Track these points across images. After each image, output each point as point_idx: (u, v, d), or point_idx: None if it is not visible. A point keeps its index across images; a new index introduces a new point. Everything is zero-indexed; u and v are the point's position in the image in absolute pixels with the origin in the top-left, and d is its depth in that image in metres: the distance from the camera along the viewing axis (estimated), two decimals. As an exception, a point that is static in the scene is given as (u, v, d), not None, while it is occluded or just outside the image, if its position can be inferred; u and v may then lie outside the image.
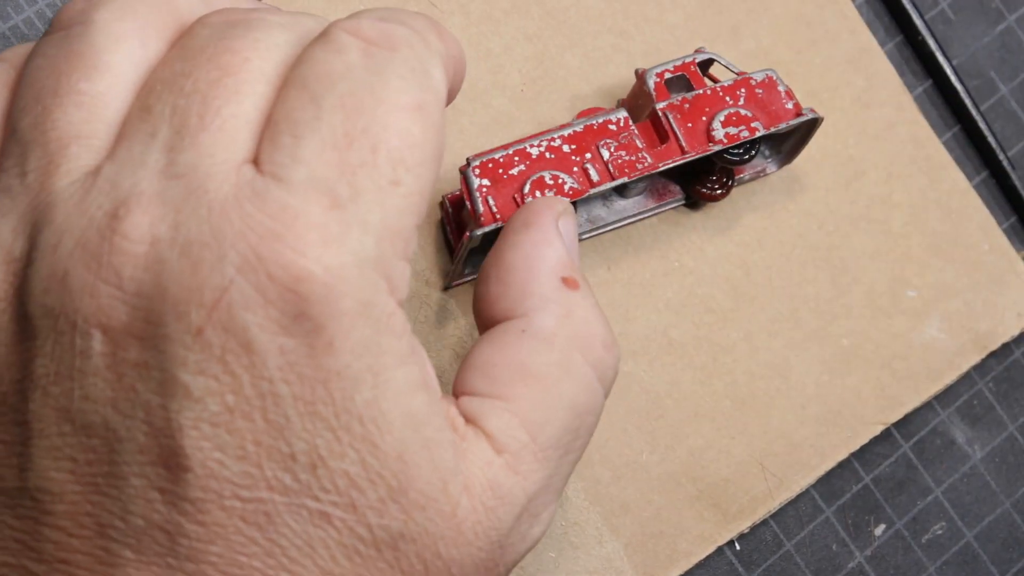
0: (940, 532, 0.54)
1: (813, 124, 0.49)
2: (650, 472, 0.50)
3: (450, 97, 0.40)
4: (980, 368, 0.55)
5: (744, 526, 0.51)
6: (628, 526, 0.50)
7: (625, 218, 0.51)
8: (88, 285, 0.34)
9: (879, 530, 0.53)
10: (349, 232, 0.34)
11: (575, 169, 0.46)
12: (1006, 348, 0.55)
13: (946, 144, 0.55)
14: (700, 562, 0.51)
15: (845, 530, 0.53)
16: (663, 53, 0.52)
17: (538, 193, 0.46)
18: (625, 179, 0.47)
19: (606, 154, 0.47)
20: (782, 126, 0.48)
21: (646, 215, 0.51)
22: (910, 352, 0.53)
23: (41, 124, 0.36)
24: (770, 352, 0.52)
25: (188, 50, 0.37)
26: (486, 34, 0.51)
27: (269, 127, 0.35)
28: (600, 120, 0.47)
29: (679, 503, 0.51)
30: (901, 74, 0.55)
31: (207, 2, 0.40)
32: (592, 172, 0.46)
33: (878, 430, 0.53)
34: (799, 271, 0.53)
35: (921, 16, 0.55)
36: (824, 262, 0.53)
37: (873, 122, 0.54)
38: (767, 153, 0.52)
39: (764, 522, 0.52)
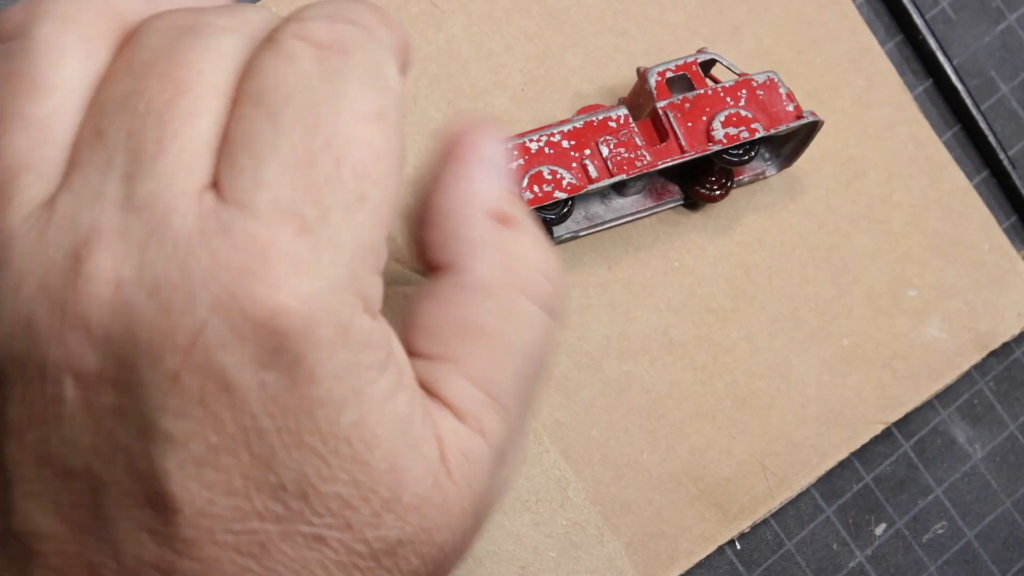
0: (941, 531, 0.54)
1: (813, 127, 0.49)
2: (651, 472, 0.50)
3: (405, 68, 0.39)
4: (981, 367, 0.55)
5: (745, 525, 0.51)
6: (629, 525, 0.50)
7: (623, 216, 0.51)
8: (54, 332, 0.33)
9: (880, 529, 0.53)
10: (321, 257, 0.33)
11: (574, 165, 0.46)
12: (1006, 347, 0.55)
13: (947, 143, 0.55)
14: (701, 561, 0.51)
15: (846, 529, 0.53)
16: (664, 53, 0.52)
17: (536, 188, 0.46)
18: (624, 176, 0.47)
19: (605, 151, 0.47)
20: (782, 128, 0.48)
21: (644, 214, 0.51)
22: (911, 352, 0.53)
23: None
24: (771, 352, 0.52)
25: (138, 63, 0.35)
26: (488, 33, 0.51)
27: (227, 147, 0.34)
28: (600, 117, 0.47)
29: (680, 502, 0.50)
30: (902, 74, 0.55)
31: (151, 3, 0.38)
32: (591, 168, 0.46)
33: (879, 429, 0.53)
34: (799, 271, 0.53)
35: (921, 15, 0.55)
36: (824, 262, 0.53)
37: (874, 122, 0.54)
38: (767, 156, 0.52)
39: (765, 521, 0.52)
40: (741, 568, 0.52)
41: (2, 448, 0.34)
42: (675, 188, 0.52)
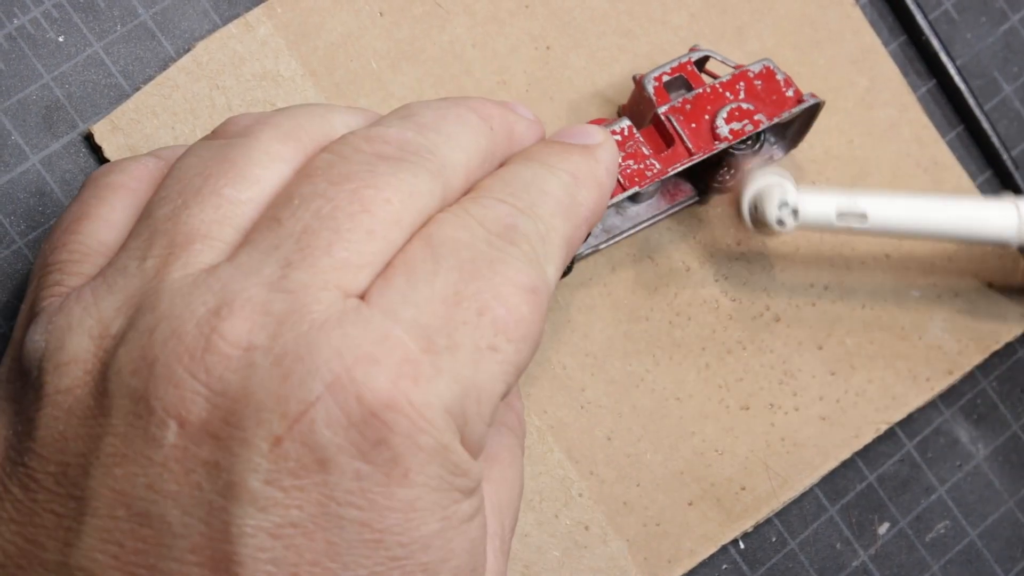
0: (944, 531, 0.54)
1: (815, 109, 0.49)
2: (654, 471, 0.50)
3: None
4: (984, 367, 0.55)
5: (748, 525, 0.51)
6: (632, 525, 0.50)
7: (640, 223, 0.51)
8: (176, 376, 0.34)
9: (883, 529, 0.53)
10: (440, 377, 0.35)
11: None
12: (1009, 347, 0.55)
13: (949, 144, 0.55)
14: (704, 561, 0.51)
15: (849, 529, 0.53)
16: (668, 53, 0.52)
17: None
18: (636, 189, 0.46)
19: None
20: (784, 115, 0.48)
21: (660, 218, 0.51)
22: (914, 352, 0.53)
23: (175, 216, 0.37)
24: (774, 353, 0.52)
25: (335, 172, 0.37)
26: (492, 35, 0.50)
27: (388, 269, 0.36)
28: None
29: (683, 502, 0.50)
30: (905, 74, 0.55)
31: (364, 121, 0.40)
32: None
33: (882, 429, 0.53)
34: (803, 271, 0.53)
35: (925, 16, 0.55)
36: (827, 261, 0.53)
37: (877, 122, 0.54)
38: (772, 140, 0.52)
39: (768, 521, 0.52)
40: (745, 567, 0.52)
41: (87, 479, 0.35)
42: (688, 186, 0.51)
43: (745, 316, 0.52)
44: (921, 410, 0.54)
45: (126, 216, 0.39)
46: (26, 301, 0.40)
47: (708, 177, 0.51)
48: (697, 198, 0.51)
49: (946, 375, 0.54)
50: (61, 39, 0.47)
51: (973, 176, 0.55)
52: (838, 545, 0.53)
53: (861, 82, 0.54)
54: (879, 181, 0.54)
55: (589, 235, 0.48)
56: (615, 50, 0.52)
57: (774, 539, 0.52)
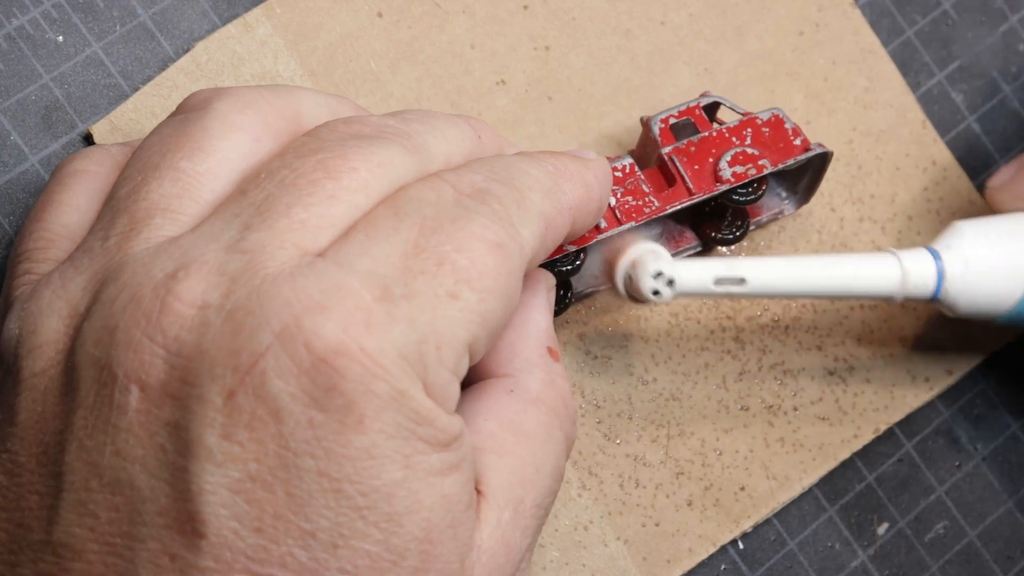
0: (943, 531, 0.54)
1: (824, 159, 0.49)
2: (653, 472, 0.50)
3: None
4: (983, 367, 0.55)
5: (747, 526, 0.51)
6: (631, 525, 0.50)
7: None
8: (133, 340, 0.34)
9: (882, 529, 0.53)
10: (394, 324, 0.34)
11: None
12: (1008, 348, 0.55)
13: (949, 144, 0.55)
14: (704, 561, 0.51)
15: (848, 529, 0.53)
16: (667, 54, 0.52)
17: None
18: (632, 224, 0.46)
19: (613, 201, 0.46)
20: (790, 162, 0.48)
21: None
22: (913, 352, 0.53)
23: (135, 194, 0.37)
24: (772, 352, 0.52)
25: (304, 148, 0.37)
26: (491, 35, 0.50)
27: (348, 229, 0.36)
28: None
29: (682, 502, 0.50)
30: (904, 75, 0.55)
31: (333, 111, 0.40)
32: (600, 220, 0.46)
33: (881, 429, 0.53)
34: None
35: (924, 16, 0.55)
36: (827, 262, 0.53)
37: (876, 123, 0.54)
38: (783, 194, 0.51)
39: (767, 521, 0.52)
40: (744, 567, 0.52)
41: (63, 454, 0.35)
42: (691, 235, 0.51)
43: (744, 316, 0.52)
44: (920, 410, 0.54)
45: (88, 199, 0.39)
46: (2, 294, 0.40)
47: (710, 227, 0.50)
48: (700, 247, 0.51)
49: (945, 375, 0.54)
50: (60, 39, 0.47)
51: (973, 176, 0.55)
52: (837, 545, 0.53)
53: (860, 82, 0.54)
54: (878, 181, 0.53)
55: (587, 274, 0.48)
56: (614, 50, 0.51)
57: (773, 539, 0.52)
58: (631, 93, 0.51)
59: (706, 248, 0.51)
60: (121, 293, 0.35)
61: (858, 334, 0.53)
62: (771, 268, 0.45)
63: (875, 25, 0.55)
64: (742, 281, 0.44)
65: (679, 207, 0.47)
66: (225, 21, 0.48)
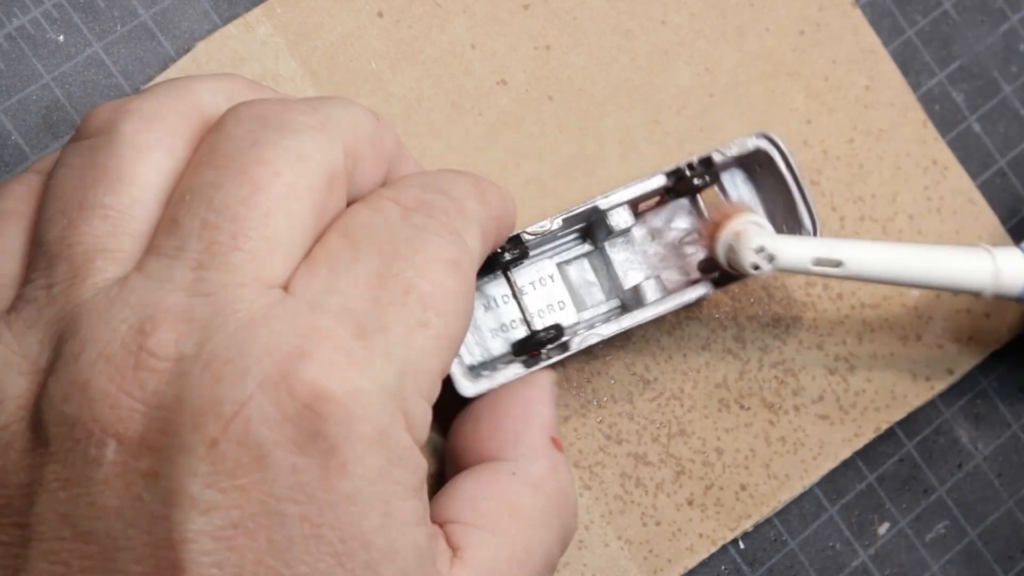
0: (944, 531, 0.54)
1: (779, 151, 0.49)
2: (654, 471, 0.50)
3: (498, 243, 0.42)
4: (983, 367, 0.55)
5: (748, 525, 0.51)
6: (632, 525, 0.50)
7: (646, 317, 0.48)
8: (109, 396, 0.34)
9: (883, 529, 0.53)
10: (373, 360, 0.34)
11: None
12: (1009, 347, 0.55)
13: (950, 144, 0.55)
14: (704, 560, 0.51)
15: (849, 529, 0.53)
16: (668, 54, 0.52)
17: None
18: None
19: None
20: (733, 143, 0.49)
21: (670, 309, 0.48)
22: (914, 351, 0.53)
23: (67, 238, 0.36)
24: (773, 351, 0.51)
25: (218, 156, 0.36)
26: (491, 34, 0.50)
27: (307, 261, 0.36)
28: None
29: (683, 501, 0.50)
30: (905, 74, 0.54)
31: (229, 96, 0.39)
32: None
33: (882, 428, 0.53)
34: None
35: (925, 16, 0.55)
36: (828, 261, 0.53)
37: (876, 122, 0.53)
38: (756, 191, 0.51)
39: (768, 520, 0.52)
40: (744, 567, 0.52)
41: (31, 506, 0.34)
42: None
43: (744, 315, 0.52)
44: (921, 410, 0.54)
45: (22, 242, 0.38)
46: None
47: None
48: (710, 289, 0.48)
49: (946, 375, 0.53)
50: (61, 39, 0.47)
51: (973, 176, 0.55)
52: (838, 545, 0.53)
53: (861, 81, 0.54)
54: (879, 180, 0.53)
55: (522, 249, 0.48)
56: (615, 50, 0.51)
57: (774, 539, 0.52)
58: (632, 93, 0.51)
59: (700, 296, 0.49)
60: (85, 349, 0.34)
61: (859, 333, 0.53)
62: (869, 252, 0.46)
63: (876, 25, 0.54)
64: (840, 263, 0.45)
65: (646, 193, 0.47)
66: (226, 21, 0.48)
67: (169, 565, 0.33)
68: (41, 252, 0.36)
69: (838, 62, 0.54)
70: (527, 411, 0.44)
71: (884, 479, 0.53)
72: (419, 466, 0.36)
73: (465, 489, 0.42)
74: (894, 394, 0.53)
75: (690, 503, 0.50)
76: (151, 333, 0.34)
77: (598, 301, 0.49)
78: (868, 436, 0.52)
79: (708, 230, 0.46)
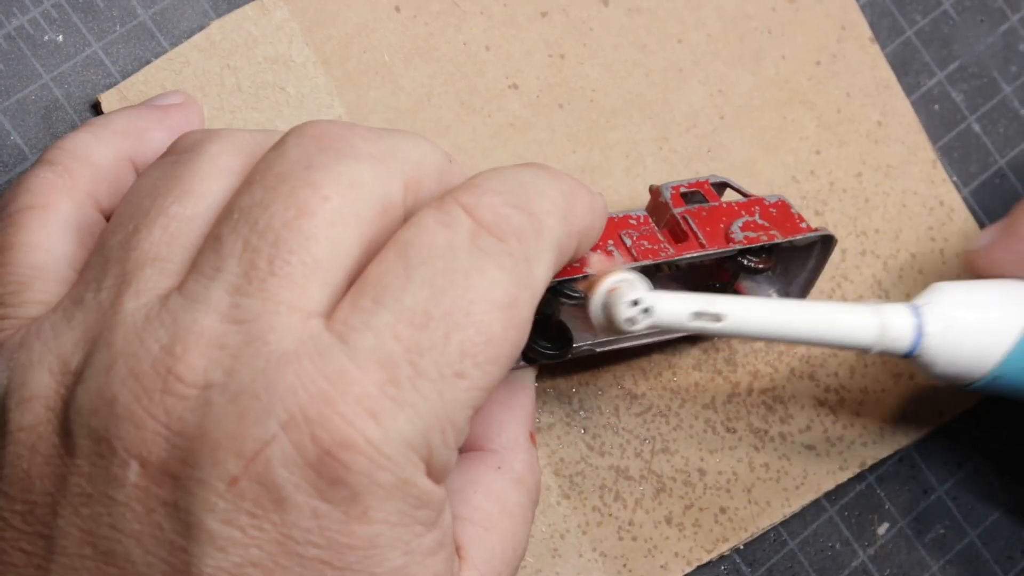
0: (943, 531, 0.54)
1: (829, 244, 0.48)
2: (635, 485, 0.50)
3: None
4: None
5: (724, 548, 0.51)
6: (608, 537, 0.50)
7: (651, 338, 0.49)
8: (135, 416, 0.34)
9: (882, 529, 0.53)
10: (400, 413, 0.34)
11: (599, 251, 0.45)
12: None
13: (949, 144, 0.55)
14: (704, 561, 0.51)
15: (849, 529, 0.53)
16: (683, 72, 0.52)
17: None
18: (650, 261, 0.45)
19: (628, 241, 0.45)
20: (799, 237, 0.47)
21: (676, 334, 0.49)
22: (906, 390, 0.53)
23: (126, 243, 0.36)
24: (763, 377, 0.51)
25: (271, 175, 0.36)
26: (508, 38, 0.50)
27: (356, 284, 0.35)
28: (620, 215, 0.45)
29: (661, 519, 0.50)
30: (904, 74, 0.54)
31: None
32: (616, 254, 0.45)
33: (867, 464, 0.52)
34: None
35: (924, 16, 0.55)
36: (824, 291, 0.53)
37: (886, 158, 0.53)
38: (773, 294, 0.50)
39: (768, 520, 0.52)
40: (744, 567, 0.52)
41: (55, 518, 0.35)
42: None
43: (738, 340, 0.51)
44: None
45: (49, 236, 0.38)
46: None
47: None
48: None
49: (936, 416, 0.53)
50: (60, 39, 0.47)
51: (973, 178, 0.55)
52: (837, 545, 0.53)
53: (873, 116, 0.53)
54: (883, 216, 0.53)
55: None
56: (630, 64, 0.51)
57: (773, 539, 0.52)
58: (643, 107, 0.51)
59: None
60: (116, 362, 0.34)
61: (852, 366, 0.52)
62: (750, 308, 0.44)
63: (875, 25, 0.54)
64: (719, 318, 0.43)
65: (692, 257, 0.45)
66: (225, 21, 0.48)
67: None
68: (101, 254, 0.37)
69: (852, 95, 0.53)
70: (511, 401, 0.44)
71: (884, 479, 0.53)
72: (438, 502, 0.36)
73: (454, 480, 0.41)
74: (882, 431, 0.52)
75: (668, 521, 0.50)
76: (181, 357, 0.34)
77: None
78: (853, 470, 0.52)
79: (584, 288, 0.44)
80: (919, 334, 0.45)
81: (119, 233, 0.37)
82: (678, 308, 0.43)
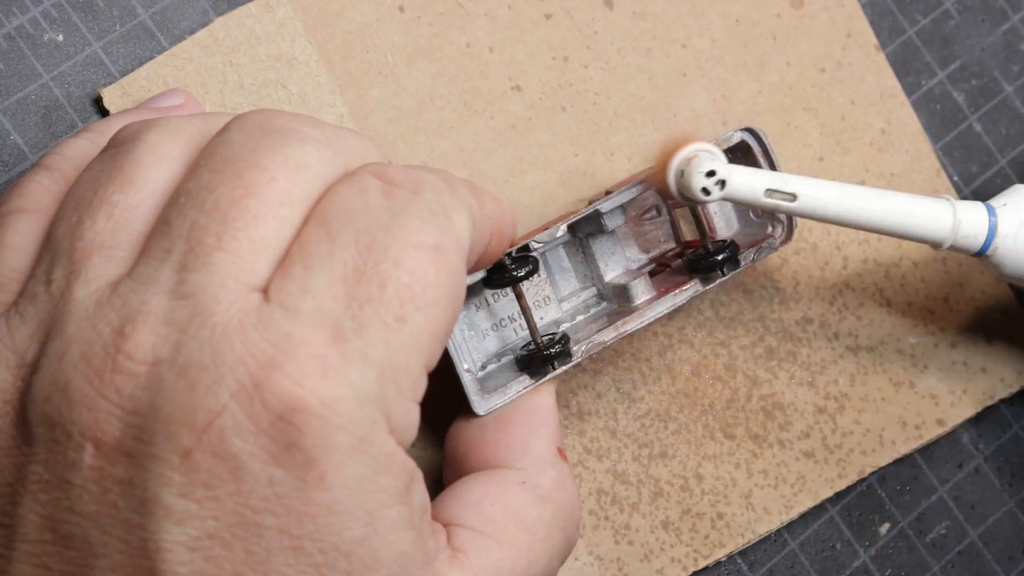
0: (944, 531, 0.54)
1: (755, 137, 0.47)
2: (631, 490, 0.50)
3: (490, 259, 0.41)
4: (985, 367, 0.54)
5: (721, 555, 0.51)
6: (604, 541, 0.49)
7: (642, 320, 0.47)
8: (88, 399, 0.34)
9: (884, 529, 0.53)
10: (349, 365, 0.33)
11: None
12: (1009, 349, 0.55)
13: (949, 144, 0.54)
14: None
15: (850, 529, 0.53)
16: (687, 77, 0.51)
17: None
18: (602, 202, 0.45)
19: None
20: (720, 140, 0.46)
21: (663, 312, 0.47)
22: (905, 398, 0.53)
23: (72, 234, 0.36)
24: (763, 384, 0.51)
25: (217, 159, 0.36)
26: (510, 40, 0.50)
27: (286, 258, 0.35)
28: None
29: (658, 524, 0.50)
30: (905, 74, 0.54)
31: None
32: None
33: (866, 472, 0.52)
34: (804, 309, 0.52)
35: (925, 16, 0.54)
36: (828, 303, 0.52)
37: (889, 166, 0.53)
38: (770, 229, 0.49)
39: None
40: (745, 568, 0.51)
41: (16, 507, 0.34)
42: (690, 282, 0.47)
43: (737, 344, 0.51)
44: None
45: (31, 238, 0.38)
46: None
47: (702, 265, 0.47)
48: (699, 287, 0.47)
49: (936, 425, 0.53)
50: (60, 39, 0.47)
51: (973, 177, 0.55)
52: (838, 545, 0.52)
53: (877, 124, 0.53)
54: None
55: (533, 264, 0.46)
56: (633, 68, 0.51)
57: (774, 539, 0.52)
58: (646, 111, 0.51)
59: (705, 283, 0.47)
60: (69, 349, 0.34)
61: (852, 374, 0.52)
62: (825, 190, 0.43)
63: (876, 25, 0.54)
64: (794, 197, 0.43)
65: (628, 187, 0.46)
66: (225, 20, 0.48)
67: (145, 573, 0.33)
68: (48, 247, 0.37)
69: (856, 103, 0.53)
70: (533, 420, 0.44)
71: (884, 479, 0.53)
72: (404, 469, 0.35)
73: (472, 493, 0.41)
74: (882, 439, 0.52)
75: (665, 526, 0.50)
76: (129, 336, 0.34)
77: (573, 288, 0.49)
78: (851, 479, 0.52)
79: (661, 159, 0.44)
80: (992, 234, 0.45)
81: (63, 225, 0.36)
82: (753, 182, 0.43)
